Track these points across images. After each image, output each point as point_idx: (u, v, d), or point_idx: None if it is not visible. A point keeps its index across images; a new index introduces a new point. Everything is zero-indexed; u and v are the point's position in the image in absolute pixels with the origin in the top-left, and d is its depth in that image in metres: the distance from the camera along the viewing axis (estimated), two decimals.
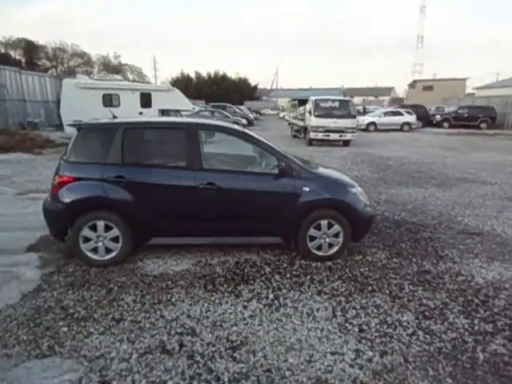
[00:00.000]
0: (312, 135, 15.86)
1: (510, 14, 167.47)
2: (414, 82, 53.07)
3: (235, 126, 4.70)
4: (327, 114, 15.64)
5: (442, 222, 6.14)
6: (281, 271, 4.21)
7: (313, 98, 16.15)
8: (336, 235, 4.42)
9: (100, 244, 4.12)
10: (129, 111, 15.03)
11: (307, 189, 4.28)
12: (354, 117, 16.07)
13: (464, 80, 48.28)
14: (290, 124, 22.87)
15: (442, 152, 15.02)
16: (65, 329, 3.07)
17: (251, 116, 31.66)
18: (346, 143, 16.27)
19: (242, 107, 38.61)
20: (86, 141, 4.18)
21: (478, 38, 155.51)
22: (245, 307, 3.47)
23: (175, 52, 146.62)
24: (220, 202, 4.17)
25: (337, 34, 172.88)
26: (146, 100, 15.48)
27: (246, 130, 4.60)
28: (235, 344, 2.93)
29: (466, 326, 3.23)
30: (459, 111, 27.63)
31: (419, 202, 7.37)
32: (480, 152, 15.38)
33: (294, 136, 20.17)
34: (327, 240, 4.42)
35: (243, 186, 4.23)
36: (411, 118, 25.69)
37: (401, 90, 77.85)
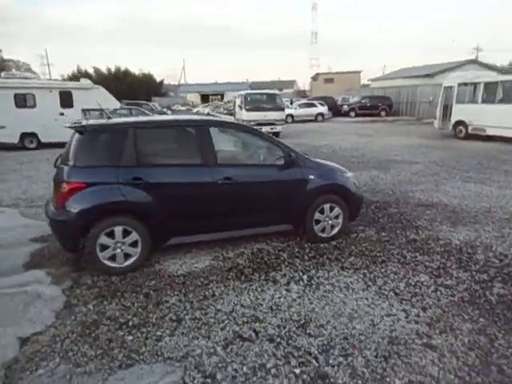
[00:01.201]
0: None
1: (392, 13, 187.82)
2: (317, 74, 56.79)
3: (241, 122, 4.81)
4: (257, 107, 16.16)
5: (399, 198, 7.01)
6: (297, 255, 4.51)
7: (243, 93, 16.51)
8: (337, 217, 4.85)
9: (118, 251, 3.95)
10: (47, 112, 13.78)
11: (312, 176, 4.63)
12: (283, 109, 16.87)
13: (359, 73, 53.14)
14: None
15: (361, 138, 16.60)
16: (130, 337, 2.98)
17: (169, 112, 30.83)
18: (277, 135, 16.97)
19: (155, 104, 37.28)
20: (95, 143, 3.94)
21: (366, 34, 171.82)
22: (288, 290, 3.70)
23: (69, 46, 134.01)
24: (236, 195, 4.30)
25: (238, 30, 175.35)
26: (66, 99, 14.22)
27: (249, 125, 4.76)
28: (302, 322, 3.16)
29: (469, 278, 3.91)
30: (362, 101, 30.53)
31: (370, 184, 8.22)
32: (391, 137, 17.34)
33: None
34: (330, 222, 4.83)
35: (257, 178, 4.42)
36: (324, 109, 27.67)
37: (302, 83, 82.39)
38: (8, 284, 3.74)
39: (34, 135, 14.16)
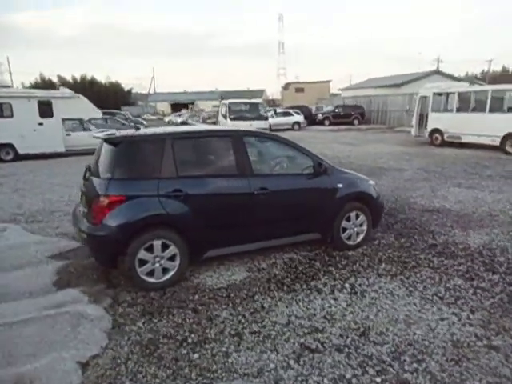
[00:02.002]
0: None
1: (355, 25, 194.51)
2: (288, 84, 57.84)
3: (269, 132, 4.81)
4: (241, 116, 16.23)
5: (403, 204, 7.22)
6: (330, 263, 4.54)
7: (226, 102, 16.54)
8: (361, 224, 4.94)
9: (157, 265, 3.83)
10: (25, 122, 13.22)
11: (340, 185, 4.70)
12: (266, 118, 17.04)
13: (328, 82, 54.59)
14: None
15: (344, 147, 16.99)
16: (195, 355, 2.88)
17: (144, 122, 30.30)
18: None
19: (127, 113, 36.54)
20: (133, 155, 3.81)
21: (332, 45, 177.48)
22: (335, 299, 3.71)
23: (31, 54, 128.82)
24: (271, 205, 4.29)
25: (207, 39, 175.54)
26: (45, 109, 13.65)
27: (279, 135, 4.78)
28: (362, 330, 3.18)
29: (501, 280, 4.08)
30: (336, 110, 31.30)
31: None
32: (371, 144, 17.86)
33: None
34: (355, 230, 4.90)
35: (290, 187, 4.43)
36: (300, 118, 28.14)
37: (271, 92, 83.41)
38: (45, 305, 3.52)
39: (10, 146, 13.48)
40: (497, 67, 53.86)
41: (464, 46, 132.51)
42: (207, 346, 2.99)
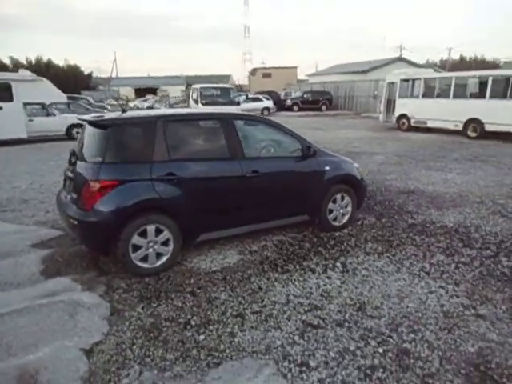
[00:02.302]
0: None
1: (326, 10, 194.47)
2: (255, 69, 57.33)
3: (260, 115, 4.79)
4: (213, 101, 16.01)
5: (380, 186, 7.47)
6: (319, 244, 4.65)
7: (197, 87, 16.22)
8: (346, 206, 5.08)
9: (151, 250, 3.78)
10: None
11: (328, 167, 4.79)
12: (238, 103, 16.92)
13: (295, 68, 54.66)
14: None
15: (314, 132, 17.17)
16: (201, 337, 2.90)
17: (109, 107, 29.17)
18: None
19: (88, 98, 35.02)
20: (124, 138, 3.69)
21: (298, 30, 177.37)
22: (329, 278, 3.83)
23: None
24: (262, 188, 4.32)
25: (170, 23, 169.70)
26: (4, 92, 12.83)
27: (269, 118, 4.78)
28: (358, 306, 3.31)
29: (478, 254, 4.35)
30: (305, 96, 31.53)
31: None
32: (341, 130, 18.20)
33: None
34: (341, 211, 5.04)
35: (280, 169, 4.47)
36: (269, 103, 28.13)
37: (237, 78, 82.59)
38: (36, 294, 3.39)
39: None
40: (455, 55, 55.97)
41: (425, 35, 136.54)
42: (211, 327, 3.01)
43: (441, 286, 3.64)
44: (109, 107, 29.42)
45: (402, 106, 16.86)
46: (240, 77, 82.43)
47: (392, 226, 5.27)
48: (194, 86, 16.76)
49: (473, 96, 14.44)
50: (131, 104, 45.08)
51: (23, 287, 3.54)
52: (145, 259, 3.78)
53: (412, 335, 2.90)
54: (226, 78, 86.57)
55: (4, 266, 3.95)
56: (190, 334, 2.94)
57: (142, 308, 3.28)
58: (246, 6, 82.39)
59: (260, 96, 29.14)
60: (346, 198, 5.04)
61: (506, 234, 4.95)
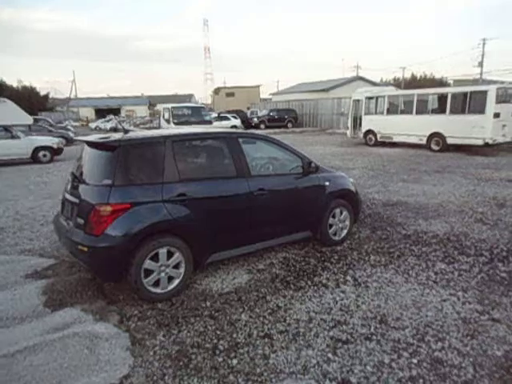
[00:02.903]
0: None
1: (275, 33, 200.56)
2: (218, 89, 57.84)
3: (260, 133, 4.80)
4: (186, 120, 15.92)
5: (364, 199, 7.63)
6: (324, 259, 4.68)
7: (169, 106, 16.11)
8: (345, 220, 5.17)
9: (162, 275, 3.64)
10: None
11: (327, 183, 4.88)
12: (211, 122, 16.90)
13: (258, 87, 55.73)
14: None
15: None
16: (234, 361, 2.81)
17: (72, 129, 28.18)
18: None
19: (48, 119, 33.70)
20: (132, 159, 3.57)
21: (257, 51, 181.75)
22: (343, 292, 3.85)
23: None
24: (268, 205, 4.31)
25: (132, 43, 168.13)
26: None
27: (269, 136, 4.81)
28: (379, 318, 3.35)
29: (475, 261, 4.55)
30: (271, 114, 32.12)
31: None
32: (310, 146, 18.60)
33: None
34: (340, 225, 5.12)
35: (284, 186, 4.49)
36: (237, 122, 28.40)
37: (200, 97, 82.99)
38: (45, 328, 3.15)
39: None
40: (407, 74, 59.24)
41: (379, 55, 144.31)
42: (241, 350, 2.93)
43: (451, 294, 3.76)
44: (71, 128, 28.46)
45: (369, 122, 17.56)
46: (202, 96, 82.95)
47: (388, 238, 5.41)
48: (164, 106, 16.65)
49: (434, 111, 15.31)
50: (92, 125, 43.92)
51: (29, 321, 3.28)
52: (157, 284, 3.64)
53: (440, 343, 2.97)
54: (188, 98, 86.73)
55: (1, 300, 3.65)
56: (221, 359, 2.84)
57: (163, 335, 3.14)
58: (206, 27, 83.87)
59: (228, 115, 29.35)
60: (345, 213, 5.13)
61: (493, 240, 5.22)
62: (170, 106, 16.25)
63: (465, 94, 14.27)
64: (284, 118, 32.03)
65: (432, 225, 5.98)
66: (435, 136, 15.04)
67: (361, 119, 18.09)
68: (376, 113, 17.50)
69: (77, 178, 3.77)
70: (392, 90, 18.28)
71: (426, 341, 3.01)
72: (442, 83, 48.92)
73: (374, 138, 17.47)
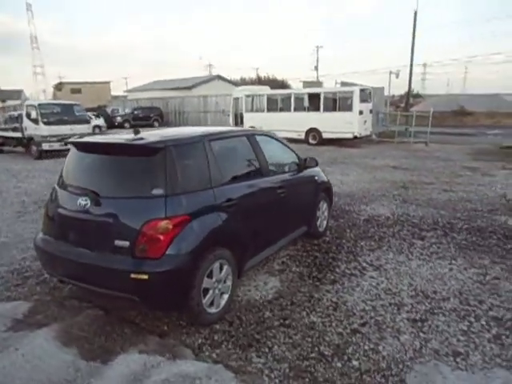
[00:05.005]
0: (45, 146, 13.46)
1: (129, 23, 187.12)
2: (61, 84, 50.94)
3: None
4: (58, 120, 13.73)
5: None
6: (326, 251, 4.84)
7: (34, 103, 13.56)
8: (324, 212, 5.43)
9: (216, 291, 3.23)
10: None
11: (316, 177, 5.05)
12: (88, 121, 14.97)
13: (108, 83, 51.45)
14: None
15: None
16: (355, 362, 2.74)
17: None
18: None
19: None
20: (180, 162, 2.99)
21: (100, 46, 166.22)
22: (372, 277, 4.09)
23: None
24: (285, 203, 4.23)
25: None
26: None
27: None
28: (422, 295, 3.71)
29: (436, 235, 5.39)
30: (135, 112, 30.22)
31: None
32: None
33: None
34: (322, 217, 5.36)
35: (294, 183, 4.45)
36: (100, 121, 25.79)
37: (31, 93, 71.82)
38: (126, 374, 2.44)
39: None
40: (253, 75, 63.45)
41: (235, 55, 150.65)
42: (348, 350, 2.88)
43: (450, 263, 4.42)
44: None
45: (250, 120, 18.35)
46: (33, 91, 72.00)
47: (356, 224, 5.91)
48: (28, 103, 13.94)
49: (310, 109, 17.01)
50: None
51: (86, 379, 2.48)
52: (211, 303, 3.20)
53: (484, 305, 3.49)
54: (16, 94, 74.24)
55: (15, 375, 2.63)
56: (339, 364, 2.73)
57: (258, 357, 2.81)
58: (30, 12, 72.48)
59: (89, 113, 26.30)
60: (325, 205, 5.39)
61: (429, 216, 6.25)
62: (36, 103, 13.69)
63: (335, 94, 16.30)
64: (149, 116, 30.60)
65: (375, 209, 6.76)
66: (312, 131, 16.77)
67: (242, 116, 18.76)
68: (256, 110, 18.41)
69: (92, 193, 2.97)
70: (268, 89, 19.49)
71: (472, 305, 3.50)
72: (283, 84, 54.17)
73: None
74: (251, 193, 3.67)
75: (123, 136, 3.36)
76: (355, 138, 15.88)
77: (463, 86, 69.44)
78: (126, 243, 2.81)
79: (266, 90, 18.84)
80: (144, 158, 2.97)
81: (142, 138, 3.02)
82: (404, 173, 10.26)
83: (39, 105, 13.61)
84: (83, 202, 2.98)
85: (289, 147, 4.78)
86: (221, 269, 3.25)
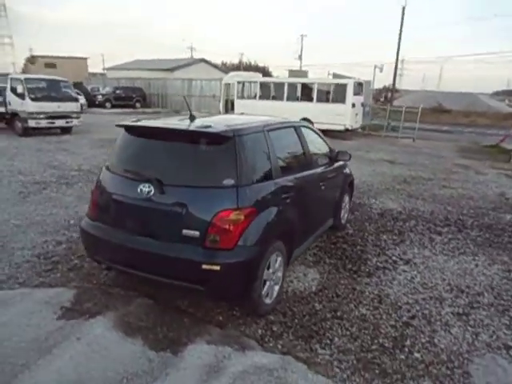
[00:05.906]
0: (32, 123, 12.82)
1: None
2: (34, 57, 48.25)
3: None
4: (46, 96, 13.09)
5: None
6: (353, 244, 4.92)
7: (21, 78, 12.83)
8: (346, 204, 5.50)
9: (272, 283, 3.24)
10: None
11: (345, 170, 5.11)
12: (77, 100, 14.37)
13: (85, 59, 49.25)
14: None
15: None
16: (417, 355, 2.84)
17: None
18: (69, 130, 14.34)
19: None
20: (247, 152, 2.93)
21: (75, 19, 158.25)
22: (404, 271, 4.22)
23: None
24: (323, 194, 4.28)
25: None
26: None
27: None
28: (459, 289, 3.87)
29: (451, 231, 5.59)
30: (117, 92, 29.19)
31: None
32: None
33: None
34: (345, 209, 5.43)
35: (329, 175, 4.49)
36: (81, 99, 24.70)
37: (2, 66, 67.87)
38: (197, 377, 2.41)
39: None
40: (235, 60, 62.61)
41: (217, 39, 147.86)
42: (407, 342, 2.97)
43: (473, 259, 4.60)
44: None
45: (242, 107, 18.11)
46: (1, 64, 68.10)
47: (371, 218, 6.03)
48: (13, 77, 13.16)
49: (303, 99, 17.00)
50: None
51: (165, 375, 2.44)
52: (267, 294, 3.21)
53: None
54: None
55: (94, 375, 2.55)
56: (403, 356, 2.82)
57: (322, 348, 2.86)
58: None
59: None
60: (347, 197, 5.46)
61: (439, 212, 6.47)
62: (22, 77, 12.95)
63: (329, 86, 16.36)
64: (132, 96, 29.68)
65: (384, 203, 6.91)
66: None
67: (232, 103, 18.53)
68: (248, 97, 18.22)
69: (156, 180, 2.87)
70: (260, 77, 19.30)
71: (506, 299, 3.69)
72: (264, 71, 53.65)
73: None
74: (302, 185, 3.67)
75: (182, 122, 3.25)
76: (347, 130, 16.05)
77: (438, 83, 71.49)
78: (196, 233, 2.75)
79: (258, 77, 18.64)
80: (214, 147, 2.89)
81: (210, 126, 2.94)
82: (401, 167, 10.51)
83: (26, 79, 12.90)
84: (146, 189, 2.88)
85: (323, 139, 4.78)
86: (275, 260, 3.26)
